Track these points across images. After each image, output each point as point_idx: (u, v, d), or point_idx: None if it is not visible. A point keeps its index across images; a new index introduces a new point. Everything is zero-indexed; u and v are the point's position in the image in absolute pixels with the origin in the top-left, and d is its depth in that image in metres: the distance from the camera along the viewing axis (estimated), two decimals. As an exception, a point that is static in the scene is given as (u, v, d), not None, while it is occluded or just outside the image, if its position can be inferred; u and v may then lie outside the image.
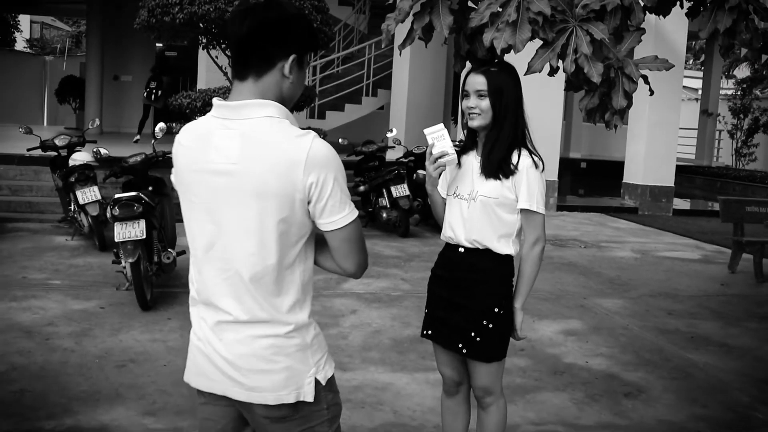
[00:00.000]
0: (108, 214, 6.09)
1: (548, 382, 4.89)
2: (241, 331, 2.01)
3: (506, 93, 2.90)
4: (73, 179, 8.17)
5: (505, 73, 2.91)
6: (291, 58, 1.99)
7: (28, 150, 9.15)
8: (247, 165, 1.93)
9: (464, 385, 3.24)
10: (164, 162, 7.36)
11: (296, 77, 2.03)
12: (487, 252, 2.97)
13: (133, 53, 19.97)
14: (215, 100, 2.05)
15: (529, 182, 2.89)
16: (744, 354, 5.72)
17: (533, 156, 2.95)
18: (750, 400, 4.76)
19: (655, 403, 4.61)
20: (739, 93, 24.05)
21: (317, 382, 2.05)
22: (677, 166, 14.88)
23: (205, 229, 2.02)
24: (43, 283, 6.78)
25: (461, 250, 2.99)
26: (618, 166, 15.53)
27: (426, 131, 2.88)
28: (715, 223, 13.00)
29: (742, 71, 26.84)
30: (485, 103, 2.89)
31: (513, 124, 2.92)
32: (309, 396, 2.03)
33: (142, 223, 5.97)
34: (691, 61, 34.62)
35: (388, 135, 10.78)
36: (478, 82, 2.90)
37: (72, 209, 8.53)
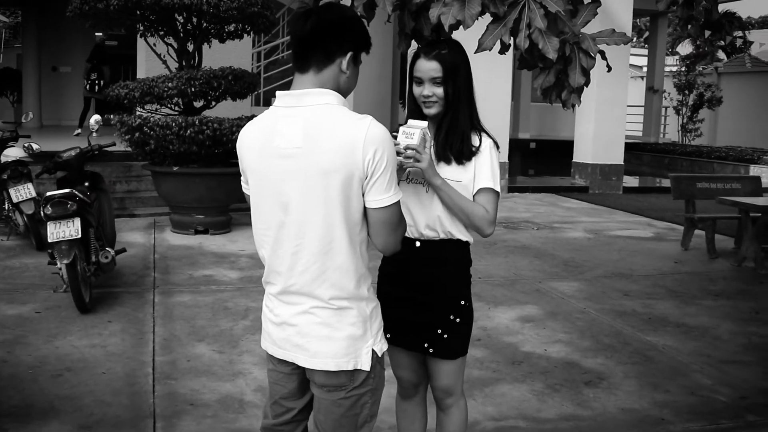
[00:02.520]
0: (41, 213, 5.74)
1: (507, 373, 4.72)
2: (307, 301, 2.21)
3: (459, 75, 2.69)
4: (5, 176, 7.77)
5: (456, 54, 2.71)
6: (348, 54, 2.20)
7: (-44, 147, 8.69)
8: (311, 147, 2.11)
9: (422, 386, 3.03)
10: (100, 156, 7.06)
11: (352, 72, 2.24)
12: (447, 242, 2.77)
13: (73, 43, 19.30)
14: (278, 92, 2.25)
15: (492, 162, 2.74)
16: (702, 334, 5.63)
17: (491, 137, 2.77)
18: (712, 383, 4.66)
19: (617, 391, 4.48)
20: (683, 70, 24.28)
21: (374, 353, 2.25)
22: (625, 144, 14.90)
23: (275, 210, 2.20)
24: (-26, 288, 6.42)
25: (417, 244, 2.77)
26: (567, 146, 15.50)
27: (409, 122, 2.61)
28: (664, 199, 13.03)
29: (685, 48, 27.14)
30: (441, 90, 2.68)
31: (468, 105, 2.73)
32: (366, 365, 2.23)
33: (77, 221, 5.64)
34: (635, 39, 34.94)
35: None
36: (432, 68, 2.68)
37: (6, 208, 8.12)
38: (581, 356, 5.06)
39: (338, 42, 2.19)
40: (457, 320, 2.79)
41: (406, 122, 2.63)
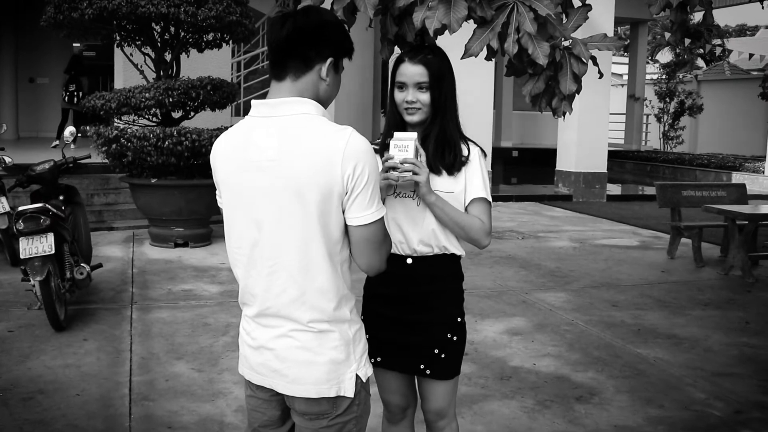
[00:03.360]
0: (14, 228, 5.55)
1: (495, 389, 4.59)
2: (285, 324, 2.07)
3: (445, 82, 2.56)
4: (-23, 191, 7.57)
5: (442, 60, 2.57)
6: (328, 61, 2.07)
7: (-71, 161, 8.48)
8: (286, 160, 1.97)
9: (410, 409, 2.88)
10: (77, 168, 6.88)
11: (332, 80, 2.11)
12: (441, 257, 2.63)
13: (50, 54, 19.04)
14: (254, 101, 2.11)
15: (482, 171, 2.61)
16: (693, 345, 5.52)
17: (478, 145, 2.65)
18: (705, 397, 4.54)
19: (609, 406, 4.35)
20: (664, 77, 24.36)
21: (358, 378, 2.11)
22: (608, 152, 14.85)
23: (249, 227, 2.07)
24: (-55, 306, 6.21)
25: (409, 261, 2.63)
26: (550, 154, 15.46)
27: (396, 134, 2.47)
28: (649, 207, 12.99)
29: (665, 56, 27.22)
30: (426, 96, 2.54)
31: (454, 114, 2.60)
32: (349, 391, 2.09)
33: (50, 236, 5.45)
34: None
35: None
36: (417, 73, 2.54)
37: (-21, 222, 7.90)
38: (571, 370, 4.94)
39: (317, 48, 2.06)
40: (454, 338, 2.66)
41: (388, 133, 2.49)
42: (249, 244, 2.09)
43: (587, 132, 14.13)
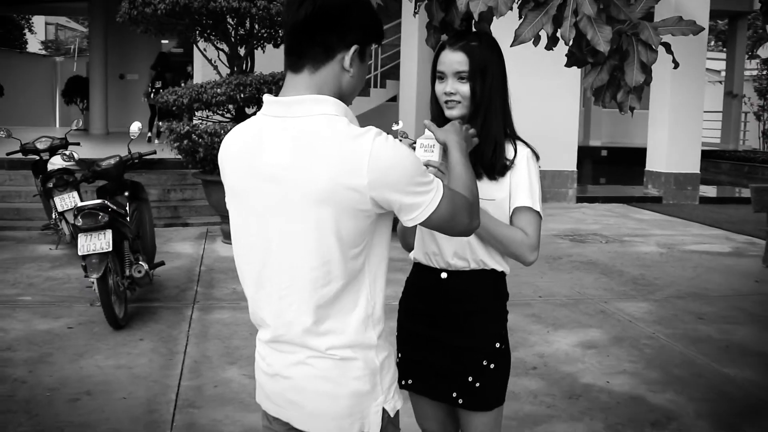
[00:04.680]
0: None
1: (563, 409, 4.23)
2: (301, 351, 1.81)
3: (490, 73, 2.25)
4: (51, 185, 7.62)
5: (487, 48, 2.27)
6: (353, 49, 1.77)
7: (8, 154, 8.63)
8: (302, 169, 1.70)
9: (450, 437, 2.59)
10: (140, 164, 6.81)
11: (357, 71, 1.80)
12: (480, 273, 2.32)
13: (139, 51, 19.43)
14: (266, 97, 1.83)
15: (531, 176, 2.28)
16: (787, 365, 5.04)
17: (529, 145, 2.32)
18: (799, 426, 4.09)
19: (688, 433, 3.96)
20: (764, 73, 23.18)
21: (384, 412, 1.83)
22: (702, 152, 14.09)
23: (258, 243, 1.81)
24: (12, 300, 6.22)
25: (443, 275, 2.33)
26: (641, 153, 14.74)
27: (426, 133, 2.17)
28: (744, 211, 12.23)
29: (766, 51, 25.89)
30: (466, 87, 2.24)
31: (500, 110, 2.28)
32: (375, 427, 1.82)
33: (109, 234, 5.36)
34: (713, 43, 33.68)
35: (394, 127, 10.11)
36: (456, 61, 2.25)
37: (54, 217, 7.98)
38: (647, 390, 4.53)
39: (340, 32, 1.75)
40: (491, 366, 2.33)
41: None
42: (259, 262, 1.83)
43: (679, 131, 13.42)
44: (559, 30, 2.19)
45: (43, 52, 35.78)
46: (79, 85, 20.40)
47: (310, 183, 1.69)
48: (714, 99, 23.35)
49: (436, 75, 2.31)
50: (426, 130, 2.11)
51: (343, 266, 1.75)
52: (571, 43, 2.19)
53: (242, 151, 1.83)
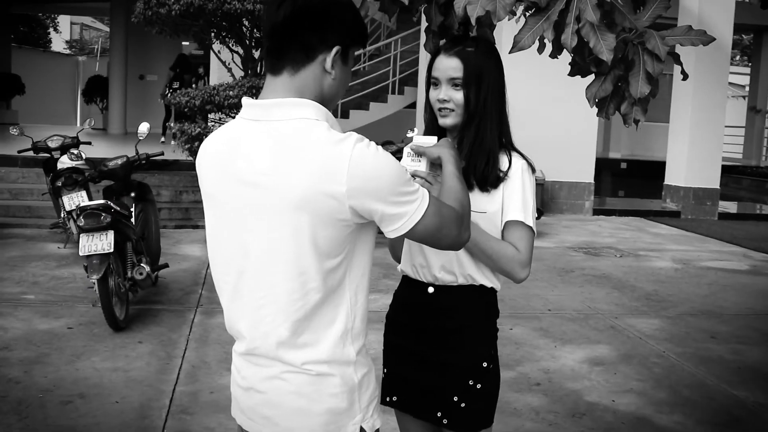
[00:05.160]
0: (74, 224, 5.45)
1: (565, 427, 4.11)
2: (276, 365, 1.74)
3: (486, 80, 2.15)
4: (60, 183, 7.58)
5: (484, 54, 2.17)
6: (335, 50, 1.71)
7: (19, 152, 8.62)
8: (279, 175, 1.64)
9: (438, 458, 2.48)
10: (148, 165, 6.76)
11: (340, 73, 1.75)
12: (467, 288, 2.21)
13: (160, 52, 19.50)
14: (245, 99, 1.78)
15: (525, 189, 2.17)
16: (801, 390, 4.88)
17: (525, 157, 2.22)
18: (810, 454, 3.95)
19: (694, 458, 3.82)
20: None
21: (362, 431, 1.77)
22: (722, 167, 13.87)
23: (236, 252, 1.75)
24: (15, 298, 6.18)
25: (430, 290, 2.23)
26: (661, 167, 14.55)
27: (415, 139, 2.07)
28: (764, 228, 12.06)
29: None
30: (460, 95, 2.15)
31: (496, 119, 2.18)
32: None
33: (110, 234, 5.29)
34: (738, 57, 33.35)
35: (409, 135, 10.05)
36: (451, 67, 2.16)
37: (63, 215, 7.95)
38: (654, 411, 4.40)
39: (321, 33, 1.69)
40: (478, 386, 2.21)
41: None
42: (235, 271, 1.76)
43: (699, 145, 13.22)
44: (559, 37, 2.08)
45: (67, 51, 36.09)
46: (99, 85, 20.53)
47: (287, 189, 1.63)
48: (738, 114, 23.08)
49: (431, 81, 2.21)
50: (414, 137, 2.02)
51: (321, 278, 1.68)
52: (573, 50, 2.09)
53: (219, 156, 1.77)
